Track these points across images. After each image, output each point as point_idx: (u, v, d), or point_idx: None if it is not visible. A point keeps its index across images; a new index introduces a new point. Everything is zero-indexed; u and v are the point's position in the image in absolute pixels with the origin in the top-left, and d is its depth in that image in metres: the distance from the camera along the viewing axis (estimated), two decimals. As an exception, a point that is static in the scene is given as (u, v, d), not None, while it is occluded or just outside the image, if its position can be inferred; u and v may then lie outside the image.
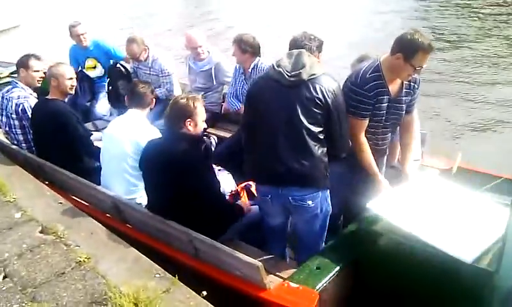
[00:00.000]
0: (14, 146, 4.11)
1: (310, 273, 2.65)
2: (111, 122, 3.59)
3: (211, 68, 4.80)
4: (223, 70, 4.82)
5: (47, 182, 3.79)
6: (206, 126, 3.11)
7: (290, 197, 2.72)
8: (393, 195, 2.83)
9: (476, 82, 7.79)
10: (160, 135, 3.29)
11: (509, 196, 2.68)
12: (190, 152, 2.89)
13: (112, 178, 3.39)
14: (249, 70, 4.31)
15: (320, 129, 2.65)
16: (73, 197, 3.67)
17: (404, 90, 2.98)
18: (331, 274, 2.63)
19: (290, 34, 3.03)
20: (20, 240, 2.99)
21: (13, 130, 4.11)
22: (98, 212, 3.46)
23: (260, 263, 2.48)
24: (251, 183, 3.40)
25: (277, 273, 2.80)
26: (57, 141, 3.70)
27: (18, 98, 4.05)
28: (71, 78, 3.84)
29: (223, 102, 4.99)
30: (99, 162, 3.60)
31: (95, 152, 3.71)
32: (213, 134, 4.77)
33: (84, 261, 2.77)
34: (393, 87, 2.93)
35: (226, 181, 3.61)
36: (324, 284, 2.58)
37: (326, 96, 2.61)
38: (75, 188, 3.63)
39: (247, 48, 4.20)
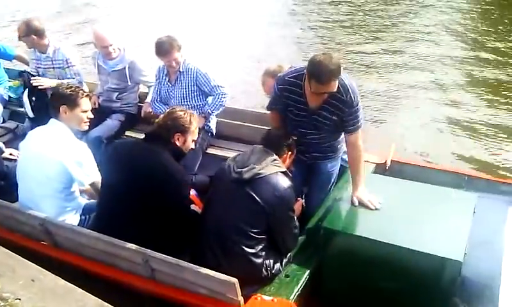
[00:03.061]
0: None
1: (281, 283, 2.59)
2: (28, 134, 3.08)
3: (125, 68, 4.41)
4: (138, 69, 4.47)
5: None
6: (193, 147, 2.89)
7: None
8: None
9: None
10: (89, 152, 2.94)
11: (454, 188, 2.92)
12: (172, 163, 2.65)
13: (36, 200, 2.94)
14: (177, 73, 4.06)
15: (258, 230, 2.54)
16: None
17: (324, 106, 2.89)
18: (301, 281, 2.60)
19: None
20: None
21: None
22: (24, 239, 3.00)
23: (235, 279, 2.34)
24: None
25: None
26: None
27: None
28: None
29: (139, 102, 4.65)
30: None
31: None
32: (131, 137, 4.44)
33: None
34: (313, 99, 2.87)
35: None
36: (297, 293, 2.54)
37: (267, 201, 2.50)
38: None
39: None
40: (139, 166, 2.65)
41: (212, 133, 4.29)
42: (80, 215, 3.06)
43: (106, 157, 2.88)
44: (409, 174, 3.35)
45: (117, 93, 4.50)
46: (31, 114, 4.64)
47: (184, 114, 2.78)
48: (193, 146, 2.90)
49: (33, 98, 4.58)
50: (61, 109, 2.93)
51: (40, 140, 2.96)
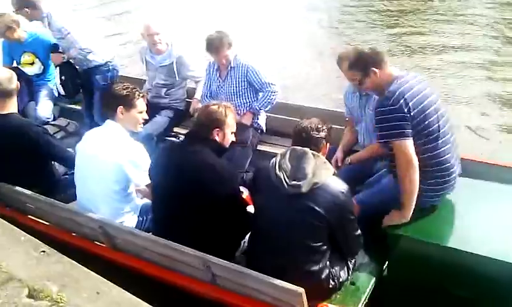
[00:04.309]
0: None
1: (347, 291, 2.48)
2: (85, 135, 3.07)
3: (172, 63, 4.36)
4: (186, 64, 4.41)
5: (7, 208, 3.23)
6: (233, 139, 2.80)
7: None
8: None
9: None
10: (144, 152, 2.91)
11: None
12: (216, 161, 2.59)
13: (94, 201, 2.93)
14: (227, 68, 3.97)
15: (322, 242, 2.41)
16: (44, 222, 3.16)
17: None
18: (368, 290, 2.49)
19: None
20: (3, 310, 2.31)
21: None
22: (83, 240, 3.00)
23: (302, 289, 2.24)
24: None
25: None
26: (18, 161, 3.14)
27: None
28: None
29: (188, 98, 4.60)
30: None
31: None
32: (180, 134, 4.40)
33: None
34: None
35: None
36: (365, 302, 2.43)
37: (329, 210, 2.35)
38: (49, 215, 3.12)
39: None
40: (185, 169, 2.59)
41: (261, 129, 4.19)
42: (138, 217, 3.04)
43: (154, 161, 2.81)
44: (477, 173, 3.13)
45: (165, 89, 4.46)
46: (61, 92, 4.68)
47: (218, 107, 2.70)
48: (233, 139, 2.79)
49: (63, 77, 4.61)
50: (117, 110, 2.90)
51: (96, 141, 2.94)
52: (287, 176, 2.39)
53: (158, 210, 2.80)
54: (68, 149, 3.38)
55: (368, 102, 3.24)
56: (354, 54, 2.88)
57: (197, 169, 2.56)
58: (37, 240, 2.75)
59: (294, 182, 2.36)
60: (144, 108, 3.03)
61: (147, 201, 3.09)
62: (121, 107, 2.90)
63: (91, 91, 4.64)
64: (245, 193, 3.13)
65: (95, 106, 4.61)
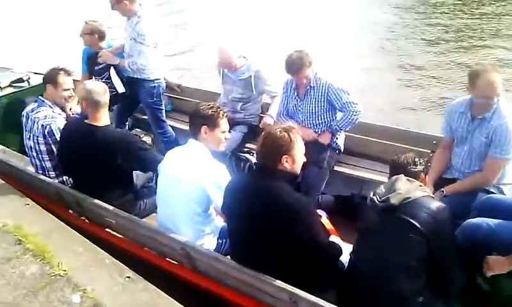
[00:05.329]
0: (42, 177, 3.54)
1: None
2: (167, 154, 3.05)
3: (250, 76, 4.32)
4: (264, 78, 4.35)
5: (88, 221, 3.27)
6: (305, 160, 2.63)
7: None
8: None
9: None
10: (227, 173, 2.85)
11: None
12: (290, 196, 2.40)
13: (175, 220, 2.90)
14: (307, 87, 3.85)
15: (419, 262, 2.27)
16: (124, 237, 3.18)
17: None
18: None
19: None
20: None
21: (40, 155, 3.54)
22: (163, 260, 2.98)
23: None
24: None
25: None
26: (105, 173, 3.19)
27: (45, 119, 3.50)
28: None
29: (262, 113, 4.53)
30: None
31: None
32: (254, 150, 4.31)
33: None
34: None
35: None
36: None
37: (426, 223, 2.24)
38: (129, 231, 3.14)
39: None
40: (260, 207, 2.42)
41: (339, 150, 4.04)
42: (218, 239, 2.98)
43: (227, 190, 2.68)
44: None
45: (241, 103, 4.42)
46: (121, 89, 4.71)
47: (281, 132, 2.47)
48: (304, 159, 2.61)
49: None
50: (201, 129, 2.86)
51: (180, 161, 2.91)
52: (379, 196, 2.39)
53: (235, 240, 2.71)
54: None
55: (480, 126, 3.00)
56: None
57: (271, 207, 2.39)
58: (122, 265, 2.73)
59: (384, 197, 2.36)
60: (228, 127, 2.98)
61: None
62: (206, 126, 2.86)
63: (131, 100, 4.71)
64: (323, 217, 3.01)
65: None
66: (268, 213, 2.39)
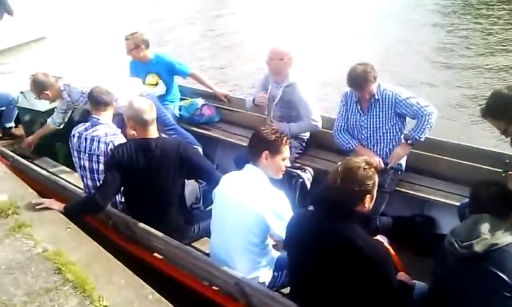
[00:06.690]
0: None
1: None
2: (223, 179, 2.83)
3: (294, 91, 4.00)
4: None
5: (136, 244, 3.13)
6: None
7: None
8: None
9: None
10: (287, 201, 2.61)
11: None
12: (365, 242, 2.11)
13: (229, 250, 2.69)
14: (370, 100, 3.56)
15: None
16: (174, 266, 3.01)
17: None
18: None
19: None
20: None
21: (95, 175, 3.43)
22: (214, 292, 2.79)
23: None
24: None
25: None
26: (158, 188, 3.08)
27: (106, 136, 3.39)
28: None
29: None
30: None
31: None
32: (307, 166, 4.06)
33: None
34: None
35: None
36: None
37: None
38: (180, 259, 2.95)
39: None
40: (327, 249, 2.16)
41: (402, 170, 3.72)
42: (273, 271, 2.76)
43: (289, 225, 2.45)
44: None
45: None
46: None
47: (365, 169, 2.16)
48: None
49: None
50: (263, 154, 2.63)
51: (238, 187, 2.67)
52: (459, 240, 2.08)
53: (297, 278, 2.45)
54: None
55: None
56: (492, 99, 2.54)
57: (341, 251, 2.12)
58: (165, 301, 2.51)
59: (465, 243, 2.05)
60: (289, 155, 2.74)
61: (282, 253, 2.81)
62: (267, 151, 2.63)
63: None
64: (385, 243, 2.72)
65: None
66: (340, 259, 2.14)
